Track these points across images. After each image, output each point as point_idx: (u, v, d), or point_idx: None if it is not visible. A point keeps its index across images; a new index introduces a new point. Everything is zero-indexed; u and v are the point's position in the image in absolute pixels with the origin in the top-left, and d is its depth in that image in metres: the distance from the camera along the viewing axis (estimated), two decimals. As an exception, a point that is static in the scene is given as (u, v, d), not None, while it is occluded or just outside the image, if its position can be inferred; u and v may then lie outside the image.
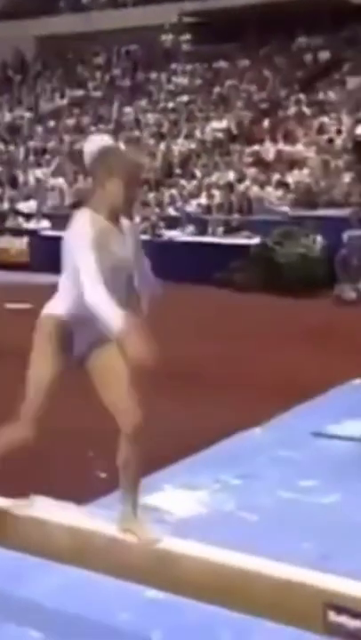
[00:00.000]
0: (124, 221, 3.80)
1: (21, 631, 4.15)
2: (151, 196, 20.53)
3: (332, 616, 2.57)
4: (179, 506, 6.01)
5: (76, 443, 6.63)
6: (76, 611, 4.26)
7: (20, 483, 5.41)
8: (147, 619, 4.13)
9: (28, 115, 28.27)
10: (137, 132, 24.69)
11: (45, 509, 3.67)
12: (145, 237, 18.04)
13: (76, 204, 21.13)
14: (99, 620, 4.20)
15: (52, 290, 4.20)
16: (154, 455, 6.26)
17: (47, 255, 18.38)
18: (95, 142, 3.78)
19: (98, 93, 28.50)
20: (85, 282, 3.50)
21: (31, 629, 4.17)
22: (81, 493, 5.25)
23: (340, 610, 2.57)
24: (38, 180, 23.14)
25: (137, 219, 19.66)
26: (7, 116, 28.63)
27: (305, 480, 6.32)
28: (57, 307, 3.74)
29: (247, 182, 20.05)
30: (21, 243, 19.11)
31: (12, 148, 25.99)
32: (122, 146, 3.84)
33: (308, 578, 2.69)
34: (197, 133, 23.59)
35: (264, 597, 2.75)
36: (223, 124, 23.60)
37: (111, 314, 3.42)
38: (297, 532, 5.44)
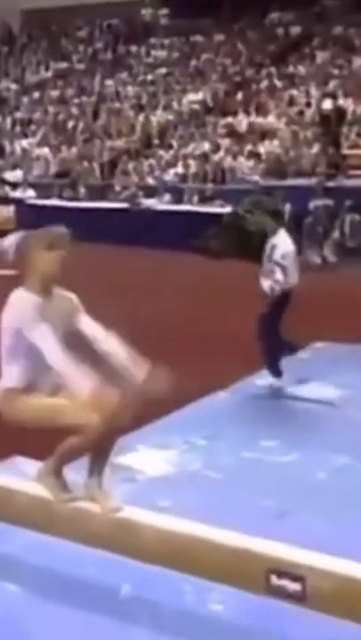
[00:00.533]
0: (60, 293, 3.99)
1: (1, 586, 4.27)
2: (131, 165, 20.46)
3: (274, 580, 2.68)
4: (150, 465, 6.11)
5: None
6: (49, 566, 4.38)
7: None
8: (114, 574, 4.25)
9: (14, 86, 27.98)
10: (117, 104, 24.51)
11: (12, 480, 3.76)
12: (125, 206, 18.06)
13: (60, 174, 21.08)
14: (70, 574, 4.32)
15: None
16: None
17: (33, 223, 18.37)
18: (10, 238, 4.06)
19: (81, 66, 28.21)
20: (47, 351, 3.70)
21: (10, 584, 4.29)
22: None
23: (281, 574, 2.67)
24: (24, 150, 22.99)
25: (117, 188, 19.62)
26: (-5, 88, 28.34)
27: (266, 440, 6.44)
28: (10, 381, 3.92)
29: (221, 153, 20.00)
30: (8, 211, 19.02)
31: (-1, 119, 25.78)
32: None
33: (253, 545, 2.79)
34: (175, 105, 23.45)
35: (214, 563, 2.85)
36: (199, 96, 23.45)
37: (76, 379, 3.64)
38: (258, 490, 5.56)
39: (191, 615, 3.89)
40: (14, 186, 20.45)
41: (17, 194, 19.99)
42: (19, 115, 25.66)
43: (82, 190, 19.64)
